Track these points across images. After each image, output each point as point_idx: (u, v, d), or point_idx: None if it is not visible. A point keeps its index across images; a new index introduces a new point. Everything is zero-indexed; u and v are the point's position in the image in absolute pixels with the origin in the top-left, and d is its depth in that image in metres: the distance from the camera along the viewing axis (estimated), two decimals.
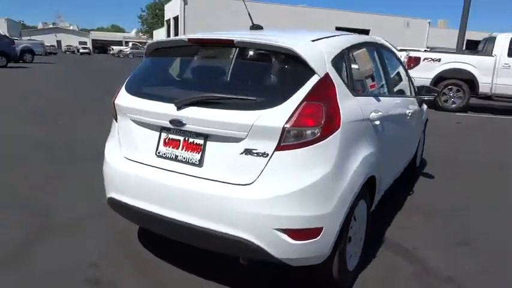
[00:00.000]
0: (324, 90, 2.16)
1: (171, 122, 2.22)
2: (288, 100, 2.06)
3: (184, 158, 2.23)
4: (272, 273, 2.64)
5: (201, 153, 2.19)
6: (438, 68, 11.36)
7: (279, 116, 2.02)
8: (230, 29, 3.38)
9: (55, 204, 3.59)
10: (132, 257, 2.81)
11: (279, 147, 2.02)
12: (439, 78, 11.31)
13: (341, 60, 2.48)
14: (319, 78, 2.16)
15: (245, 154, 2.06)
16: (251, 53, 2.32)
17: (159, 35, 45.81)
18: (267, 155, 2.03)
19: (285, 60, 2.21)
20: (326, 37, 2.60)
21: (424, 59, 11.44)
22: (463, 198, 4.33)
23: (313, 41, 2.44)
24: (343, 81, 2.37)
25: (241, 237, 2.04)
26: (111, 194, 2.52)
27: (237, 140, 2.07)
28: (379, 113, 2.64)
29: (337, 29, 40.29)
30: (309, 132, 2.04)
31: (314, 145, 2.04)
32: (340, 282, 2.41)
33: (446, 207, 4.00)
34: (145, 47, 2.87)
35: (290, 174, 2.03)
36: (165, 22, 42.02)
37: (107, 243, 2.98)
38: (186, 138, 2.24)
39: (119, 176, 2.47)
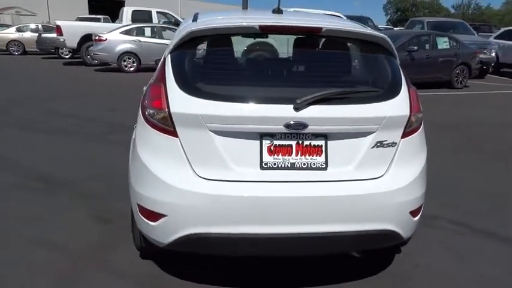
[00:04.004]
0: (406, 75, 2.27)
1: (287, 126, 1.96)
2: (402, 88, 2.15)
3: (304, 164, 2.04)
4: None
5: (323, 154, 2.04)
6: None
7: (402, 104, 2.11)
8: None
9: None
10: None
11: (404, 135, 2.12)
12: None
13: None
14: (399, 64, 2.28)
15: (376, 147, 2.06)
16: (342, 41, 2.30)
17: None
18: (395, 144, 2.10)
19: (375, 48, 2.26)
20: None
21: None
22: None
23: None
24: None
25: (384, 229, 2.07)
26: (194, 229, 1.99)
27: (366, 134, 2.05)
28: None
29: None
30: (418, 116, 2.20)
31: (421, 128, 2.24)
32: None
33: None
34: (184, 33, 2.12)
35: (413, 159, 2.18)
36: None
37: None
38: (301, 142, 2.03)
39: (203, 204, 1.97)
